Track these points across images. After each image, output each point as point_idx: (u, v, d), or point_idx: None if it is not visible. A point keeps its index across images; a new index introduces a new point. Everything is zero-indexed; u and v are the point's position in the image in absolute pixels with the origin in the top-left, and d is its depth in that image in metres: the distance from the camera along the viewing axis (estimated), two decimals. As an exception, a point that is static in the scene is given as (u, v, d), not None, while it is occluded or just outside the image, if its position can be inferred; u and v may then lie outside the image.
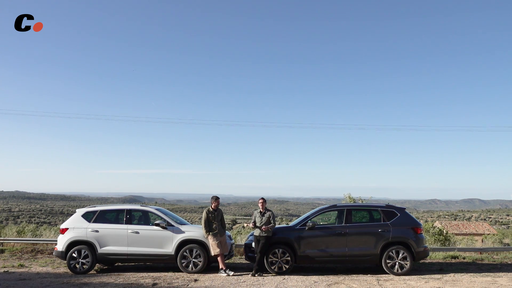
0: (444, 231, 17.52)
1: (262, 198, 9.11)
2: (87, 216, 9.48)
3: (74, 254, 9.08)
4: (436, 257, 11.97)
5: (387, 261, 8.82)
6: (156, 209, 9.67)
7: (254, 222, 8.92)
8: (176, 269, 9.11)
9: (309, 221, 9.22)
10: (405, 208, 9.59)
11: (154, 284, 7.63)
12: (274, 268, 8.79)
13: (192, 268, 8.88)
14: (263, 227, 8.69)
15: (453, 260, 11.68)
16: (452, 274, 8.88)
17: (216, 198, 9.26)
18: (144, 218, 9.59)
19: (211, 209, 9.11)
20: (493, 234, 33.57)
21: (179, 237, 9.06)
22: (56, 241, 9.63)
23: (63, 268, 9.76)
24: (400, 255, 8.80)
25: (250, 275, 8.59)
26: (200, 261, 8.91)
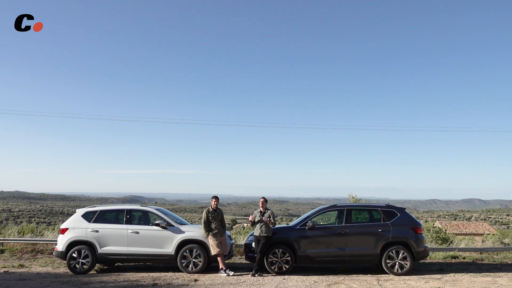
0: (444, 230, 17.52)
1: (263, 198, 9.10)
2: (87, 216, 9.48)
3: (74, 254, 9.08)
4: (436, 257, 11.96)
5: (387, 261, 8.82)
6: (156, 209, 9.67)
7: (253, 220, 8.91)
8: (176, 269, 9.11)
9: (309, 221, 9.22)
10: (405, 208, 9.58)
11: (154, 284, 7.63)
12: (274, 268, 8.78)
13: (192, 268, 8.87)
14: (265, 218, 8.65)
15: (453, 260, 11.68)
16: (452, 274, 8.88)
17: (215, 198, 9.26)
18: (144, 218, 9.58)
19: (211, 209, 9.11)
20: (493, 234, 33.46)
21: (179, 237, 9.06)
22: (56, 241, 9.63)
23: (63, 268, 9.76)
24: (400, 255, 8.80)
25: (250, 275, 8.58)
26: (200, 261, 8.90)
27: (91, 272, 9.16)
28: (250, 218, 9.12)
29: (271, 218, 8.73)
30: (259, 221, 8.77)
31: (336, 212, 9.60)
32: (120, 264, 10.28)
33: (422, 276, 8.56)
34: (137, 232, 9.16)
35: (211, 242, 8.80)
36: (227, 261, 9.69)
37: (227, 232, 9.81)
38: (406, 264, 8.75)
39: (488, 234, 34.06)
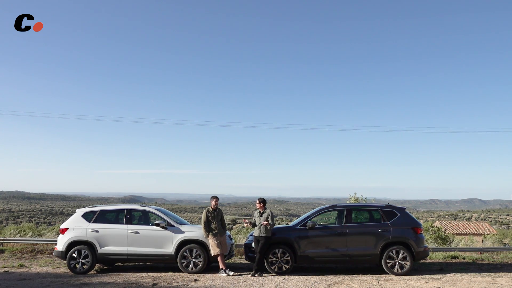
0: (443, 230, 17.51)
1: (259, 199, 9.08)
2: (87, 216, 9.48)
3: (74, 254, 9.08)
4: (436, 257, 11.96)
5: (387, 261, 8.82)
6: (156, 209, 9.67)
7: (253, 222, 8.93)
8: (176, 269, 9.11)
9: (309, 221, 9.21)
10: (405, 208, 9.58)
11: (154, 284, 7.63)
12: (274, 268, 8.78)
13: (192, 268, 8.87)
14: (264, 222, 8.65)
15: (453, 260, 11.68)
16: (452, 274, 8.88)
17: (215, 198, 9.26)
18: (144, 218, 9.58)
19: (211, 209, 9.11)
20: (493, 234, 33.46)
21: (179, 237, 9.06)
22: (56, 241, 9.63)
23: (63, 268, 9.76)
24: (400, 255, 8.80)
25: (250, 275, 8.58)
26: (200, 261, 8.90)
27: (91, 272, 9.16)
28: (247, 221, 9.15)
29: (269, 219, 8.72)
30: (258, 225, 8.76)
31: (336, 212, 9.60)
32: (120, 264, 10.28)
33: (422, 276, 8.56)
34: (137, 232, 9.16)
35: (211, 242, 8.80)
36: (227, 261, 9.69)
37: (227, 232, 9.81)
38: (406, 264, 8.75)
39: (488, 234, 34.05)
